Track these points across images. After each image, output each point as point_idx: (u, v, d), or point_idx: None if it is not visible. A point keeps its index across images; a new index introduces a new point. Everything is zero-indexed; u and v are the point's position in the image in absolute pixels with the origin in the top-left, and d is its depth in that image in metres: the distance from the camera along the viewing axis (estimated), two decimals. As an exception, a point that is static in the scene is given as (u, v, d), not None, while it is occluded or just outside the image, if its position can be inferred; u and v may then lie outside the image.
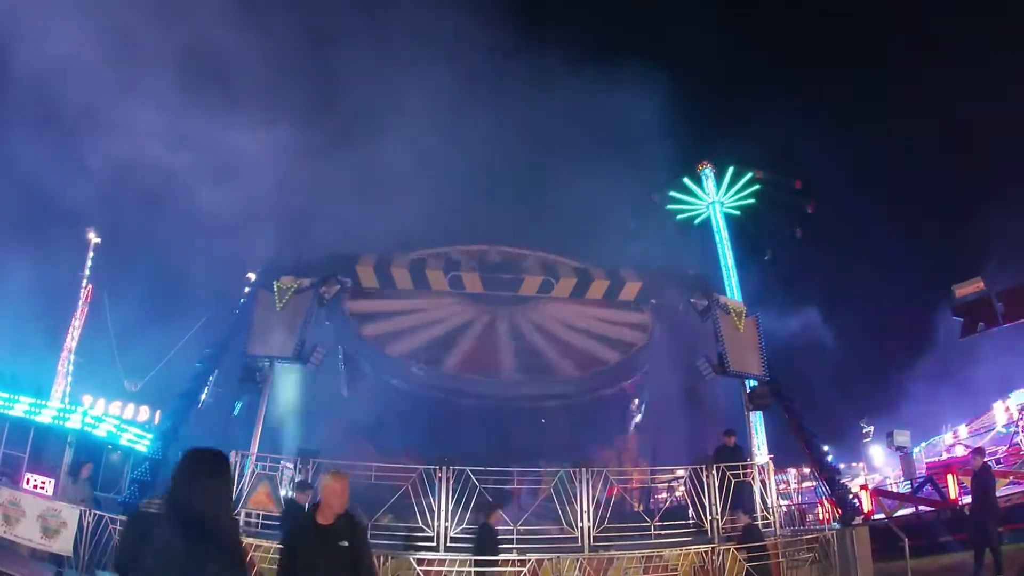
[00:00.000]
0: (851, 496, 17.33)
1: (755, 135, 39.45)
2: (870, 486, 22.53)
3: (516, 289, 20.66)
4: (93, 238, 25.94)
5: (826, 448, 18.13)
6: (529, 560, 10.34)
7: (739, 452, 14.17)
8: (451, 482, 11.52)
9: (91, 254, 25.97)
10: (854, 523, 14.19)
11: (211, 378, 16.74)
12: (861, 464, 35.76)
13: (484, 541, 10.69)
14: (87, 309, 26.22)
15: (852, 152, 44.73)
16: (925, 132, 42.45)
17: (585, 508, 11.81)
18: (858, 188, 42.62)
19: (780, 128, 38.93)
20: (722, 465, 12.58)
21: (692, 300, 16.30)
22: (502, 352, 19.97)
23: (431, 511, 11.45)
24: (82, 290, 26.03)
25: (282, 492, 12.51)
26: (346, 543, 5.00)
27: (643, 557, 10.69)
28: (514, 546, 11.31)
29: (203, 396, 16.58)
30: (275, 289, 14.32)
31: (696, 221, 40.07)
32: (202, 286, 26.53)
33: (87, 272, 25.98)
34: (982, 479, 12.31)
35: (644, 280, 20.87)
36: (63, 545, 11.78)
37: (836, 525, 15.00)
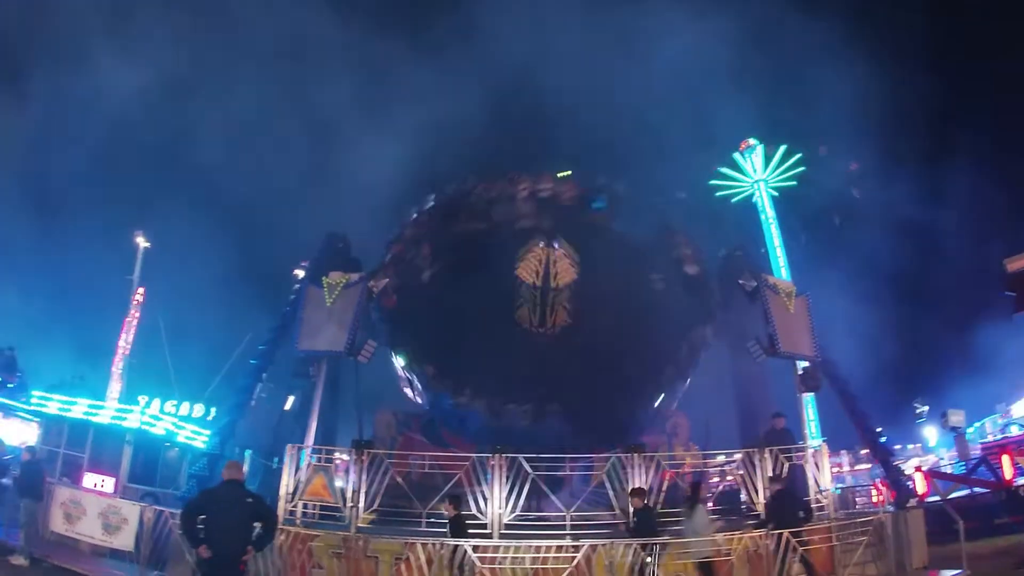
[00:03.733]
0: (905, 478, 17.03)
1: (802, 110, 38.60)
2: (924, 468, 22.12)
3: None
4: (142, 242, 26.62)
5: (879, 429, 17.77)
6: (582, 546, 10.40)
7: (788, 435, 13.97)
8: (504, 469, 11.65)
9: (140, 258, 26.74)
10: (908, 506, 13.96)
11: (264, 374, 17.09)
12: (915, 446, 35.02)
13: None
14: (139, 312, 27.03)
15: (903, 120, 43.02)
16: (977, 97, 40.95)
17: (638, 494, 11.83)
18: (907, 161, 41.25)
19: (831, 103, 37.84)
20: (775, 448, 12.47)
21: (740, 281, 16.02)
22: None
23: (484, 498, 11.62)
24: (134, 293, 26.81)
25: (337, 483, 12.73)
26: None
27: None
28: (567, 532, 11.41)
29: (256, 391, 16.94)
30: (324, 285, 14.54)
31: (734, 200, 39.78)
32: (254, 285, 26.85)
33: (137, 275, 26.75)
34: (1038, 460, 12.06)
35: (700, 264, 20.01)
36: (124, 541, 12.19)
37: (890, 508, 14.79)
